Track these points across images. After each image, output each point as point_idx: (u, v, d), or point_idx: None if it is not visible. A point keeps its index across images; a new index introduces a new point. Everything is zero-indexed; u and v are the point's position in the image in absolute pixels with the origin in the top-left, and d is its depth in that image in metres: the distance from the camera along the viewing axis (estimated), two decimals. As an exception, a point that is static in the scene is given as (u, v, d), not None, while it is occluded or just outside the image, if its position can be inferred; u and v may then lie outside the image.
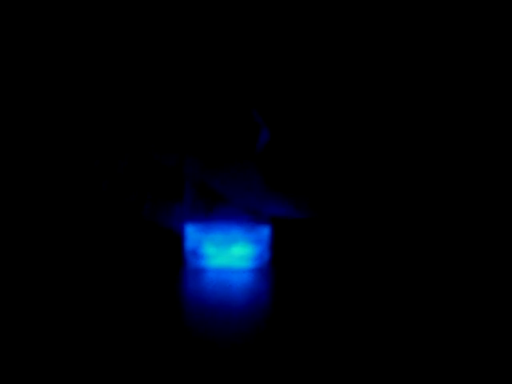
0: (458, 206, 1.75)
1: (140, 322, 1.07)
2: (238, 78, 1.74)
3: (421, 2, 1.78)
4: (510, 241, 1.72)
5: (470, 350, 0.97)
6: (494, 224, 1.74)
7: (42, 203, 1.69)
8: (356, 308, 1.20)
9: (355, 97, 1.77)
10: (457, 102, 1.79)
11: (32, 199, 1.68)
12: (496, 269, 1.55)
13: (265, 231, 1.56)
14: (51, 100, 1.74)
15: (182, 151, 1.65)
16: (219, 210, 1.61)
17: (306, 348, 0.97)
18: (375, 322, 1.11)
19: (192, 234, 1.55)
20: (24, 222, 1.67)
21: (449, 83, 1.78)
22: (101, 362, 0.89)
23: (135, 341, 0.99)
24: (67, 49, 1.73)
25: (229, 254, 1.55)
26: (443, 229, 1.73)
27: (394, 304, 1.23)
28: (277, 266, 1.55)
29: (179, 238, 1.62)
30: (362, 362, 0.91)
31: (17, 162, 1.69)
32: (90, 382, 0.84)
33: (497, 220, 1.74)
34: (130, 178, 1.67)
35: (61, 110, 1.73)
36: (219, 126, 1.71)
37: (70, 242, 1.67)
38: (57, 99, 1.74)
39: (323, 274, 1.47)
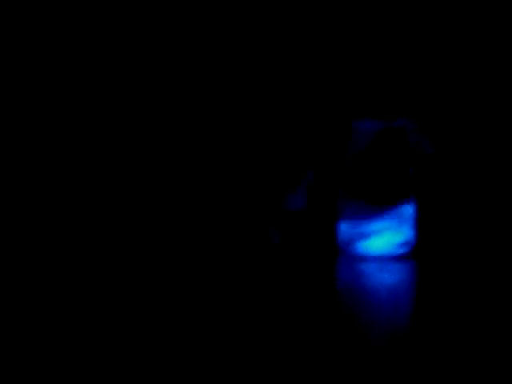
0: None
1: (292, 307, 1.09)
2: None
3: None
4: None
5: None
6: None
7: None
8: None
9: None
10: None
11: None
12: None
13: (409, 210, 1.66)
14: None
15: None
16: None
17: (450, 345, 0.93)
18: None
19: (344, 225, 1.67)
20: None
21: None
22: (248, 337, 0.89)
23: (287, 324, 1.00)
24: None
25: (377, 242, 1.64)
26: None
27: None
28: (424, 252, 1.60)
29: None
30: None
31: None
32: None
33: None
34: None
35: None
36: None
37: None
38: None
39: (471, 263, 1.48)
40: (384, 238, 1.63)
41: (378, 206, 1.68)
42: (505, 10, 1.80)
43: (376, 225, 1.65)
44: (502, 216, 1.75)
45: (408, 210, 1.66)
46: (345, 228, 1.69)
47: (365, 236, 1.65)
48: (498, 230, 1.73)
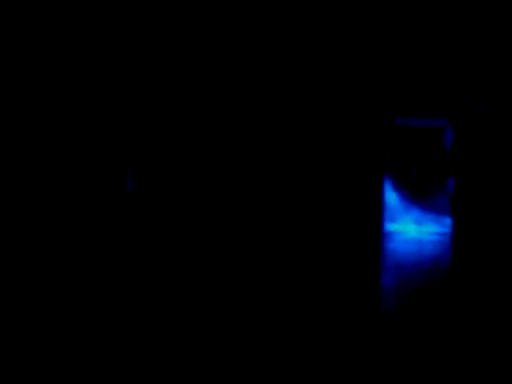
0: None
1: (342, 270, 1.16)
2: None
3: None
4: None
5: None
6: None
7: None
8: None
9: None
10: None
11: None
12: None
13: (446, 202, 1.82)
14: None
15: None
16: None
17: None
18: None
19: (390, 208, 1.84)
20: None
21: None
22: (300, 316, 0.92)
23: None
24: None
25: (418, 227, 1.81)
26: None
27: None
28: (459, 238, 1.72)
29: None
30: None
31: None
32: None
33: None
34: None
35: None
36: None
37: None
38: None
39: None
40: (424, 224, 1.80)
41: (415, 194, 1.86)
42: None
43: (418, 213, 1.80)
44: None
45: (445, 202, 1.83)
46: (390, 212, 1.87)
47: (408, 221, 1.81)
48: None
